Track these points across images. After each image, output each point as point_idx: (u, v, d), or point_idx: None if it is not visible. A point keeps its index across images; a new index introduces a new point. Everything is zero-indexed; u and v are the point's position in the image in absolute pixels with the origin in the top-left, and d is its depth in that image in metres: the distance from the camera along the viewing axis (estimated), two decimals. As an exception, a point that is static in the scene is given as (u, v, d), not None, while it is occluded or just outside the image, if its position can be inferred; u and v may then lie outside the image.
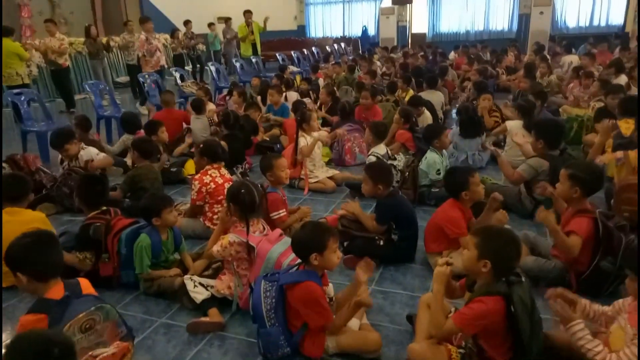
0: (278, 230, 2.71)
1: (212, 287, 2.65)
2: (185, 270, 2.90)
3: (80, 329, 1.85)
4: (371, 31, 18.30)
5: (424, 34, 17.97)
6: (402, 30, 17.41)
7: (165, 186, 4.53)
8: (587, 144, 5.08)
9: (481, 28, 17.51)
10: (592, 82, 6.63)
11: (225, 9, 14.43)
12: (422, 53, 12.79)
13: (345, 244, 3.10)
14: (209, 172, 3.54)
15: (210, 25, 12.96)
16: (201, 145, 3.63)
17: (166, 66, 8.30)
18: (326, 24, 19.00)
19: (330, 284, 2.28)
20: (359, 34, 18.21)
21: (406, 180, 3.97)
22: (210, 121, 5.73)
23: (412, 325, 2.42)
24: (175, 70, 8.88)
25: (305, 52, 13.41)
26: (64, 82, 8.64)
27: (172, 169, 4.77)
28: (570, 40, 13.66)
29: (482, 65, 9.18)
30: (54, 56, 8.19)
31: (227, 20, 12.69)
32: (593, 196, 2.75)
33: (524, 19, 16.34)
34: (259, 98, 7.33)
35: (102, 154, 4.37)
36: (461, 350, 2.01)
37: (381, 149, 4.19)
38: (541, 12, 15.24)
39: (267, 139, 5.91)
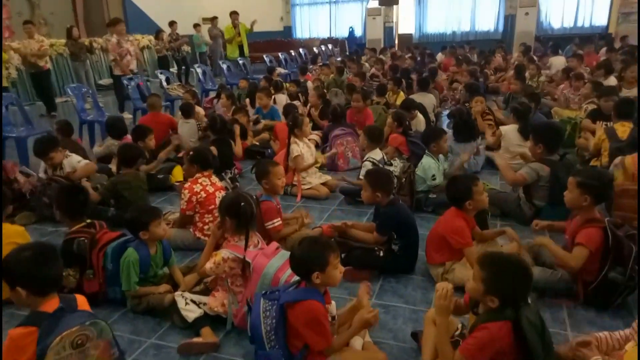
0: (274, 244, 2.57)
1: (204, 304, 2.50)
2: (175, 286, 2.75)
3: (71, 343, 1.76)
4: (358, 32, 18.23)
5: (411, 35, 17.96)
6: (388, 31, 17.36)
7: (151, 193, 4.37)
8: (580, 147, 5.04)
9: (467, 29, 17.56)
10: (583, 84, 6.62)
11: (211, 10, 14.23)
12: (409, 54, 12.76)
13: (343, 255, 2.96)
14: (200, 181, 3.39)
15: (196, 26, 12.75)
16: (191, 153, 3.47)
17: (136, 70, 8.05)
18: (312, 25, 18.88)
19: (333, 302, 2.15)
20: (346, 35, 18.12)
21: (403, 186, 3.86)
22: (198, 126, 5.56)
23: (417, 342, 2.30)
24: (161, 73, 8.66)
25: (293, 54, 13.25)
26: (45, 84, 8.36)
27: (159, 176, 4.59)
28: (555, 41, 13.77)
29: (472, 66, 9.13)
30: (33, 59, 7.92)
31: (212, 19, 12.50)
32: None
33: (509, 20, 16.43)
34: (247, 101, 7.18)
35: (84, 161, 4.17)
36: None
37: (377, 154, 4.08)
38: (526, 13, 15.34)
39: (257, 143, 5.76)
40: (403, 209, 2.98)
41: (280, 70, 10.89)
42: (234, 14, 10.17)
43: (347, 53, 15.29)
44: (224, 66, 10.18)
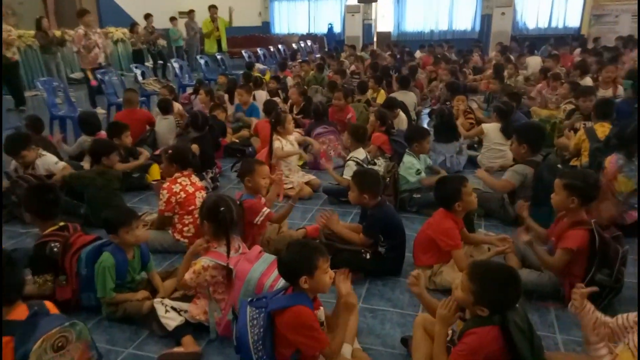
0: (257, 248, 2.49)
1: (185, 311, 2.40)
2: (153, 291, 2.64)
3: (52, 346, 1.71)
4: (337, 29, 18.14)
5: (389, 33, 17.96)
6: (367, 28, 17.32)
7: (127, 193, 4.21)
8: (560, 147, 5.08)
9: (445, 28, 17.66)
10: (560, 84, 6.70)
11: (187, 4, 13.91)
12: (389, 52, 12.75)
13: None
14: (179, 180, 3.26)
15: (172, 20, 12.45)
16: (170, 151, 3.33)
17: (104, 63, 7.80)
18: (291, 20, 18.69)
19: (321, 307, 2.07)
20: (325, 31, 18.02)
21: (387, 186, 3.81)
22: (177, 122, 5.40)
23: (407, 348, 2.25)
24: (136, 67, 8.40)
25: (272, 49, 13.09)
26: (13, 77, 7.99)
27: (134, 175, 4.43)
28: (530, 41, 13.98)
29: (452, 65, 9.17)
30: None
31: (189, 13, 12.22)
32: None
33: (486, 20, 16.61)
34: (226, 97, 7.02)
35: (62, 163, 3.97)
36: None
37: (360, 154, 4.02)
38: (503, 13, 15.57)
39: (237, 140, 5.63)
40: (390, 211, 2.93)
41: (259, 66, 10.73)
42: (212, 8, 9.95)
43: (326, 50, 15.20)
44: (202, 61, 9.96)
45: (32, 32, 9.16)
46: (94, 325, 2.52)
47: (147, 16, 11.22)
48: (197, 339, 2.33)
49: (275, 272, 2.34)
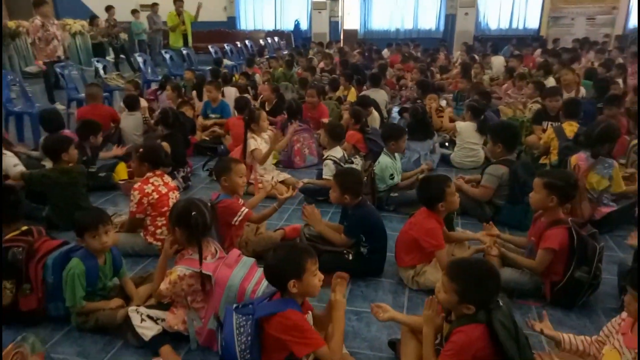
0: (235, 252, 2.39)
1: (163, 320, 2.27)
2: (126, 298, 2.50)
3: None
4: (303, 25, 18.02)
5: (356, 30, 18.00)
6: (334, 25, 17.30)
7: (93, 193, 4.01)
8: (528, 145, 5.19)
9: (410, 27, 17.83)
10: (526, 84, 6.86)
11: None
12: (358, 50, 12.76)
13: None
14: (151, 180, 3.11)
15: (134, 12, 12.03)
16: (141, 149, 3.17)
17: (63, 57, 7.44)
18: (257, 16, 18.40)
19: (310, 312, 2.00)
20: (292, 27, 17.86)
21: (365, 184, 3.76)
22: (144, 119, 5.19)
23: (394, 351, 2.22)
24: (97, 61, 8.04)
25: (239, 45, 12.85)
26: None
27: (100, 174, 4.22)
28: (493, 41, 14.32)
29: (420, 63, 9.25)
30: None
31: (153, 5, 11.82)
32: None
33: (450, 19, 16.90)
34: (194, 93, 6.82)
35: (21, 167, 3.71)
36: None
37: (337, 152, 3.97)
38: (466, 13, 15.92)
39: (207, 138, 5.47)
40: (372, 211, 2.89)
41: (226, 61, 10.51)
42: (178, 1, 9.64)
43: (294, 46, 15.07)
44: (167, 56, 9.64)
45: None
46: (63, 337, 2.37)
47: (109, 8, 10.79)
48: (176, 349, 2.22)
49: (256, 276, 2.27)
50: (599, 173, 3.27)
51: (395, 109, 7.49)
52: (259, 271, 2.32)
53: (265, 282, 2.28)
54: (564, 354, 1.95)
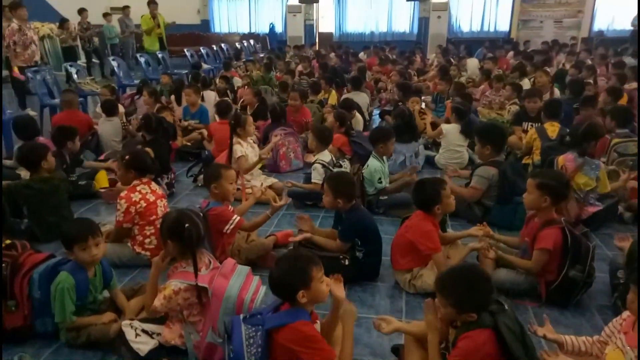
0: (230, 261, 2.32)
1: (158, 334, 2.19)
2: (117, 311, 2.40)
3: None
4: (278, 29, 17.96)
5: (331, 33, 18.06)
6: (309, 28, 17.30)
7: (73, 202, 3.85)
8: (510, 146, 5.28)
9: (385, 29, 18.01)
10: (503, 86, 6.99)
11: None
12: (333, 53, 12.78)
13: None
14: (138, 189, 3.01)
15: (106, 15, 11.74)
16: (127, 157, 3.07)
17: (39, 62, 7.22)
18: (232, 19, 18.24)
19: (318, 321, 1.97)
20: (266, 30, 17.78)
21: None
22: (123, 125, 5.05)
23: (398, 357, 2.19)
24: (71, 65, 7.79)
25: (215, 48, 12.69)
26: None
27: (80, 182, 4.07)
28: (465, 44, 14.58)
29: (399, 66, 9.32)
30: None
31: (124, 8, 11.57)
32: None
33: (423, 22, 17.13)
34: (172, 98, 6.68)
35: None
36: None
37: (326, 156, 3.94)
38: (439, 17, 16.14)
39: (189, 144, 5.37)
40: (366, 215, 2.88)
41: (203, 65, 10.35)
42: (152, 4, 9.45)
43: (270, 49, 15.00)
44: (142, 59, 9.44)
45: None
46: (52, 354, 2.26)
47: (81, 11, 10.51)
48: (174, 363, 2.14)
49: (254, 285, 2.22)
50: (586, 174, 3.34)
51: (376, 112, 7.51)
52: (256, 279, 2.28)
53: (262, 291, 2.24)
54: (566, 355, 1.96)
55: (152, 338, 2.17)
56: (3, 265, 2.25)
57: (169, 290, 2.12)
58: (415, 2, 17.09)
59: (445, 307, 1.80)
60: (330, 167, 3.87)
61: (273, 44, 16.57)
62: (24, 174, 3.85)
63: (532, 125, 5.11)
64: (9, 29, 6.87)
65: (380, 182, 3.84)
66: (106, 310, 2.38)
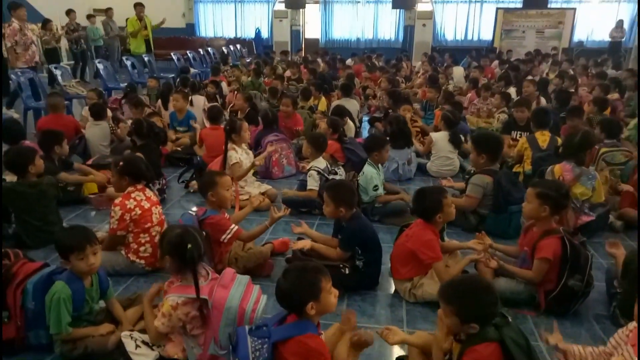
0: (230, 271, 2.27)
1: (158, 346, 2.14)
2: (113, 321, 2.34)
3: None
4: (264, 34, 17.94)
5: (317, 39, 18.11)
6: (295, 34, 17.34)
7: (62, 208, 3.76)
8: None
9: (371, 37, 18.16)
10: (491, 95, 7.09)
11: (103, 1, 12.95)
12: (318, 58, 12.81)
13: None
14: (133, 195, 2.94)
15: (90, 17, 11.56)
16: (121, 163, 3.00)
17: (39, 63, 7.11)
18: (217, 23, 18.16)
19: (322, 333, 1.94)
20: (252, 35, 17.74)
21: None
22: (111, 129, 4.95)
23: (403, 368, 2.18)
24: (56, 68, 7.63)
25: (201, 52, 12.59)
26: None
27: (69, 188, 3.97)
28: (450, 52, 14.78)
29: (387, 73, 9.38)
30: None
31: (107, 10, 11.40)
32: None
33: (408, 30, 17.33)
34: (159, 103, 6.58)
35: None
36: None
37: (321, 163, 3.92)
38: (424, 25, 16.37)
39: (179, 149, 5.29)
40: (367, 224, 2.86)
41: (191, 69, 10.25)
42: (139, 6, 9.32)
43: (255, 54, 14.96)
44: (128, 62, 9.30)
45: None
46: (46, 367, 2.18)
47: (69, 12, 10.34)
48: (176, 375, 2.09)
49: (254, 295, 2.19)
50: (583, 184, 3.40)
51: (365, 119, 7.53)
52: (256, 289, 2.24)
53: (264, 300, 2.20)
54: None
55: (153, 350, 2.12)
56: (-4, 275, 2.17)
57: (166, 306, 2.07)
58: (401, 10, 17.28)
59: (448, 317, 1.79)
60: (326, 174, 3.85)
61: (259, 49, 16.53)
62: (9, 178, 3.74)
63: (521, 134, 5.19)
64: (11, 29, 6.75)
65: (376, 190, 3.83)
66: (102, 321, 2.32)
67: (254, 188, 4.16)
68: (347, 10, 17.88)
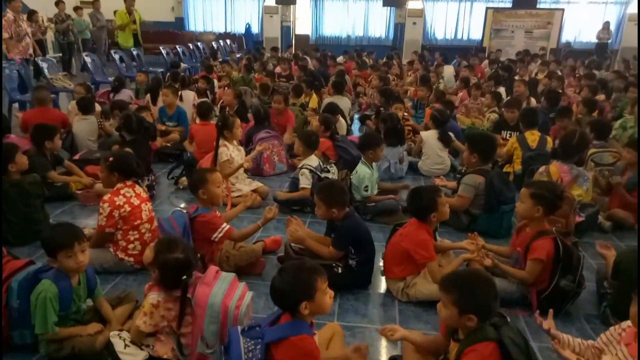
0: (213, 268, 2.24)
1: (147, 346, 2.09)
2: (101, 321, 2.29)
3: None
4: (255, 29, 17.81)
5: (308, 36, 18.03)
6: (286, 30, 17.23)
7: (48, 204, 3.68)
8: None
9: (361, 34, 18.15)
10: (482, 94, 7.11)
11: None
12: (307, 56, 12.75)
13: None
14: (122, 192, 2.88)
15: (77, 9, 11.35)
16: (111, 158, 2.93)
17: (33, 55, 7.00)
18: (207, 18, 17.97)
19: (316, 333, 1.91)
20: (242, 31, 17.60)
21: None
22: (99, 124, 4.86)
23: (396, 368, 2.17)
24: (42, 60, 7.47)
25: (191, 47, 12.45)
26: None
27: (56, 183, 3.89)
28: (440, 51, 14.82)
29: (379, 71, 9.37)
30: None
31: (94, 2, 11.20)
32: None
33: (399, 28, 17.34)
34: (147, 97, 6.49)
35: None
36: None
37: (313, 161, 3.89)
38: (414, 23, 16.36)
39: (168, 145, 5.22)
40: (361, 223, 2.84)
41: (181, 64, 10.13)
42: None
43: (246, 50, 14.84)
44: (117, 56, 9.15)
45: None
46: (32, 368, 2.12)
47: (58, 2, 10.15)
48: (166, 375, 2.05)
49: (238, 292, 2.16)
50: (580, 185, 3.42)
51: (356, 116, 7.51)
52: (241, 286, 2.21)
53: (249, 297, 2.17)
54: None
55: (142, 349, 2.07)
56: (-21, 273, 2.11)
57: (147, 306, 2.03)
58: (391, 8, 17.28)
59: (447, 306, 1.77)
60: (318, 172, 3.82)
61: (249, 45, 16.41)
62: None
63: (511, 134, 5.22)
64: (7, 20, 6.66)
65: (366, 190, 3.81)
66: (90, 320, 2.27)
67: (245, 185, 4.11)
68: (338, 7, 17.84)
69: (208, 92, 6.99)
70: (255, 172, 4.71)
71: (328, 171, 3.85)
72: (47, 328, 2.09)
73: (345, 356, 1.99)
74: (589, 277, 2.88)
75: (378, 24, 18.08)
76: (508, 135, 5.29)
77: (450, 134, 5.03)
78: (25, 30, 6.90)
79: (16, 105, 6.25)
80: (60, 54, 10.45)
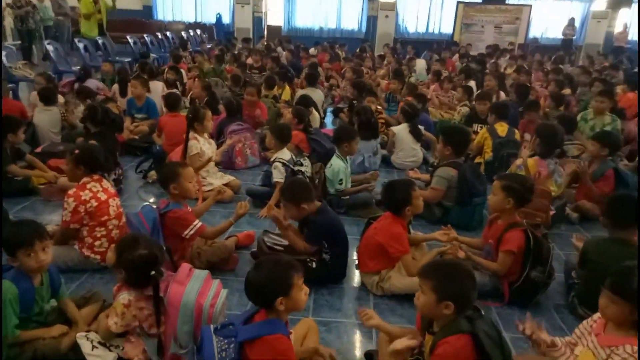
0: (186, 266, 2.18)
1: (116, 347, 2.02)
2: (67, 322, 2.19)
3: None
4: (226, 19, 17.48)
5: (280, 27, 17.84)
6: (257, 21, 16.99)
7: (7, 199, 3.52)
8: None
9: (334, 26, 18.08)
10: (453, 87, 7.19)
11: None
12: (279, 46, 12.63)
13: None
14: (88, 186, 2.76)
15: (39, -5, 10.86)
16: (76, 151, 2.81)
17: None
18: (176, 6, 17.52)
19: (291, 332, 1.88)
20: (213, 21, 17.24)
21: (316, 187, 3.68)
22: (62, 115, 4.67)
23: (372, 363, 2.16)
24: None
25: (159, 37, 12.12)
26: None
27: (17, 178, 3.71)
28: (412, 44, 14.92)
29: (352, 64, 9.34)
30: None
31: (57, -11, 10.77)
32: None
33: (372, 21, 17.37)
34: (114, 88, 6.28)
35: None
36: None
37: (285, 154, 3.83)
38: (387, 16, 16.42)
39: (136, 137, 5.06)
40: (335, 217, 2.82)
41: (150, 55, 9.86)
42: (95, -14, 8.85)
43: (218, 40, 14.56)
44: (81, 45, 8.82)
45: None
46: (-8, 373, 2.01)
47: None
48: (136, 377, 1.98)
49: (213, 290, 2.11)
50: (555, 180, 3.49)
51: (329, 109, 7.47)
52: (215, 283, 2.16)
53: (223, 295, 2.12)
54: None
55: (111, 351, 2.00)
56: None
57: (119, 306, 1.95)
58: (364, 0, 17.28)
59: (425, 293, 1.76)
60: (291, 165, 3.77)
61: (220, 35, 16.10)
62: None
63: (481, 127, 5.29)
64: None
65: (341, 184, 3.79)
66: (54, 322, 2.17)
67: (216, 179, 4.03)
68: (311, -3, 17.72)
69: (177, 83, 6.81)
70: (227, 165, 4.62)
71: (301, 164, 3.80)
72: (7, 332, 1.98)
73: (315, 349, 1.97)
74: (558, 268, 2.95)
75: (351, 17, 18.03)
76: (479, 128, 5.36)
77: (421, 127, 5.06)
78: None
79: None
80: (20, 42, 9.97)
